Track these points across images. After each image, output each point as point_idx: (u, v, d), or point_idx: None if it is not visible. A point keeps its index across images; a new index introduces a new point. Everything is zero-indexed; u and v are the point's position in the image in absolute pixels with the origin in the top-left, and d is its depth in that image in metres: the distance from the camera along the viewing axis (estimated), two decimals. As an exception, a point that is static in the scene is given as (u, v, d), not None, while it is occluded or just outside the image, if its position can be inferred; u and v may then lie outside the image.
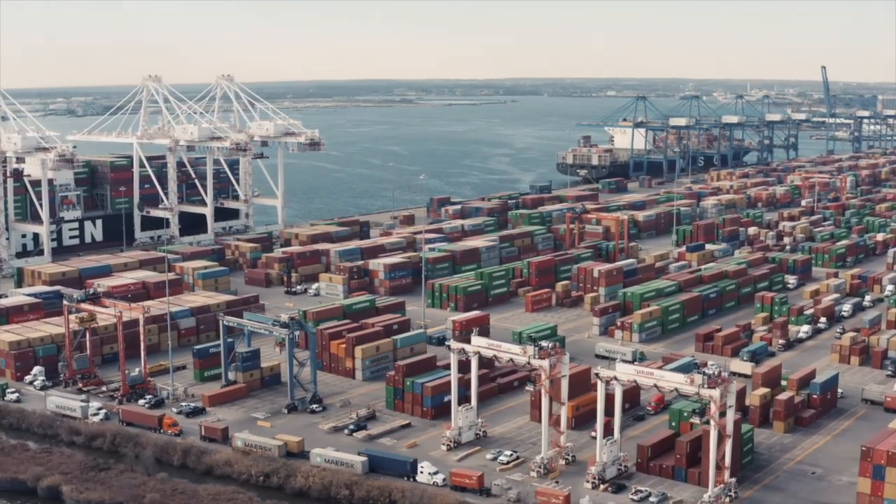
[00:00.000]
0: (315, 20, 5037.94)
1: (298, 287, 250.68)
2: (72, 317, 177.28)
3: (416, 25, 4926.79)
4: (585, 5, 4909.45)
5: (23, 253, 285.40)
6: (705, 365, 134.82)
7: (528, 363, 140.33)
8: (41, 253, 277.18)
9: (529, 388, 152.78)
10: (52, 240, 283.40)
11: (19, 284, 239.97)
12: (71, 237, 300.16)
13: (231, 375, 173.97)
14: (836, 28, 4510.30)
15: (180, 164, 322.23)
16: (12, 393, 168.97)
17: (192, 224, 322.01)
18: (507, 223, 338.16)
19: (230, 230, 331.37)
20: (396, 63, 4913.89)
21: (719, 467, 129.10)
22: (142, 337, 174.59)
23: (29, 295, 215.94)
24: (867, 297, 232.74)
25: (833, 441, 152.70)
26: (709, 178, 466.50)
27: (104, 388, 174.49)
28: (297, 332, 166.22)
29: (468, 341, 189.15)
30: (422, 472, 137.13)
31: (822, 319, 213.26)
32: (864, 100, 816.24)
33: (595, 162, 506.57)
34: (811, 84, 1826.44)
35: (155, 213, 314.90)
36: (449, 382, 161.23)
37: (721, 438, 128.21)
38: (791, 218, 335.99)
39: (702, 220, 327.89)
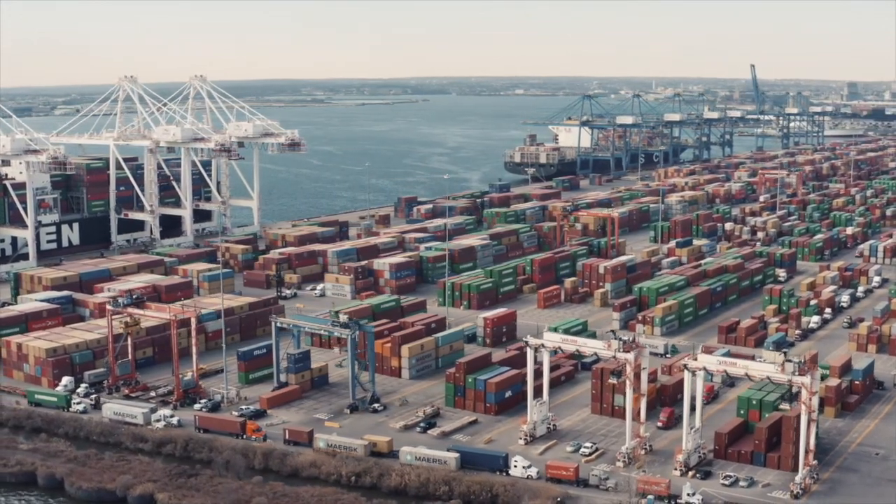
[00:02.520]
0: (207, 20, 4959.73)
1: (287, 291, 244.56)
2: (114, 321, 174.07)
3: (311, 22, 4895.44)
4: (487, 5, 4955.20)
5: (2, 258, 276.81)
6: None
7: (614, 356, 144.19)
8: (26, 257, 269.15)
9: (613, 380, 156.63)
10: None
11: (16, 290, 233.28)
12: (48, 241, 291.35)
13: (281, 377, 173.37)
14: (738, 26, 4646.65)
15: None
16: (78, 404, 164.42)
17: (165, 226, 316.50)
18: (482, 221, 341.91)
19: (204, 232, 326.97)
20: (297, 62, 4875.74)
21: (806, 451, 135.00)
22: (193, 340, 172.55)
23: (42, 301, 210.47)
24: (860, 288, 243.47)
25: (882, 424, 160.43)
26: (656, 175, 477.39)
27: (152, 394, 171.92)
28: (357, 333, 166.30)
29: (500, 337, 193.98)
30: (515, 466, 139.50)
31: (828, 310, 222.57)
32: (777, 97, 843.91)
33: (543, 160, 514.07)
34: (713, 81, 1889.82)
35: (133, 215, 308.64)
36: (510, 378, 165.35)
37: (809, 423, 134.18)
38: (753, 213, 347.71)
39: (673, 217, 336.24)
